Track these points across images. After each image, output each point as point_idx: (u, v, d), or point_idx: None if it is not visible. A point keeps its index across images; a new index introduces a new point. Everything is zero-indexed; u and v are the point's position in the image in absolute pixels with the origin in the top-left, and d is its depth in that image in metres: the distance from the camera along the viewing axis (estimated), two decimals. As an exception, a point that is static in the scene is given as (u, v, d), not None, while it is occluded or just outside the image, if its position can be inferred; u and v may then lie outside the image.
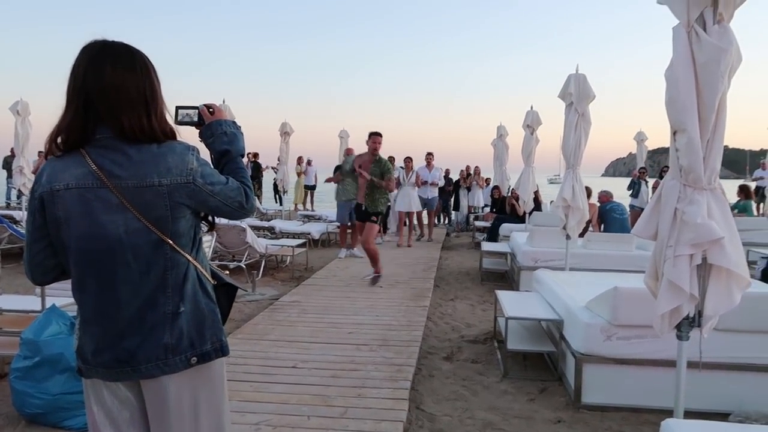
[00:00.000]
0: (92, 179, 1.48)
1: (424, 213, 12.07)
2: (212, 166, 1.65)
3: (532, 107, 9.73)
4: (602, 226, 9.45)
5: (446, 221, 15.53)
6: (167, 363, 1.55)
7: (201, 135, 1.75)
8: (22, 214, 10.55)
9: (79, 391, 3.27)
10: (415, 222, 11.74)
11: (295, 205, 16.80)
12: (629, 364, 3.66)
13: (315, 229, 10.83)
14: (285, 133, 13.96)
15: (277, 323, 5.28)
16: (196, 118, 1.74)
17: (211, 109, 1.76)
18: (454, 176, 15.54)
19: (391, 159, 11.32)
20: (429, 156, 12.02)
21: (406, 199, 11.08)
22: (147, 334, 1.53)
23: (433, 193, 11.97)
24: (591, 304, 3.96)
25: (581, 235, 6.77)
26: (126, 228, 1.49)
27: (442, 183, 12.73)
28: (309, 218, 13.17)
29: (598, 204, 9.47)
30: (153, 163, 1.50)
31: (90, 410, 1.64)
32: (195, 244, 1.62)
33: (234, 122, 1.78)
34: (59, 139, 1.52)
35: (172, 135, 1.59)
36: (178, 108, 1.73)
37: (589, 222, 8.73)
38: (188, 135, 1.69)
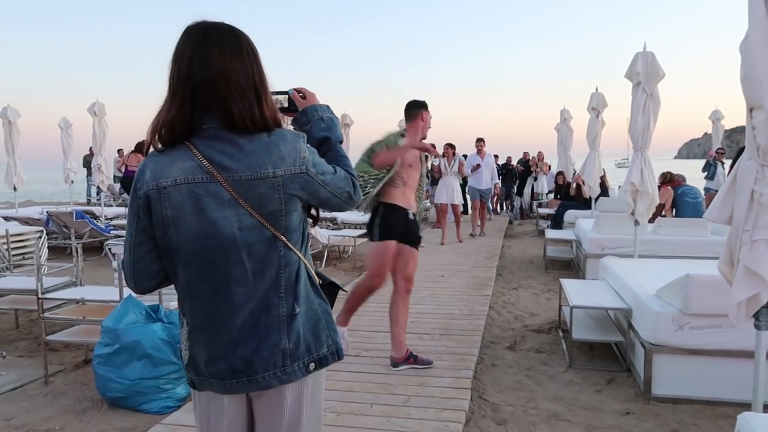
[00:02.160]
0: (202, 173, 1.37)
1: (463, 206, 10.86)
2: None
3: (597, 89, 9.38)
4: (674, 211, 9.03)
5: (509, 209, 15.27)
6: (285, 371, 1.42)
7: (295, 122, 1.63)
8: (101, 210, 11.19)
9: (155, 377, 3.48)
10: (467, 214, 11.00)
11: None
12: (703, 355, 3.50)
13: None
14: (345, 124, 14.09)
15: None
16: (287, 104, 1.62)
17: (301, 94, 1.64)
18: (514, 163, 15.25)
19: (450, 147, 10.37)
20: (480, 142, 10.91)
21: (447, 190, 10.10)
22: (262, 339, 1.42)
23: (488, 183, 10.79)
24: (661, 292, 3.80)
25: (651, 220, 6.49)
26: (240, 225, 1.37)
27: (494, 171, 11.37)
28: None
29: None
30: (266, 152, 1.38)
31: (203, 426, 1.53)
32: (304, 240, 1.50)
33: (328, 107, 1.65)
34: (160, 134, 1.40)
35: (280, 124, 1.47)
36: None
37: (662, 207, 8.37)
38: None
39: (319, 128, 1.59)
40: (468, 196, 11.55)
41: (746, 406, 2.63)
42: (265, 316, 1.42)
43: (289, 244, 1.43)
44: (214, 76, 1.36)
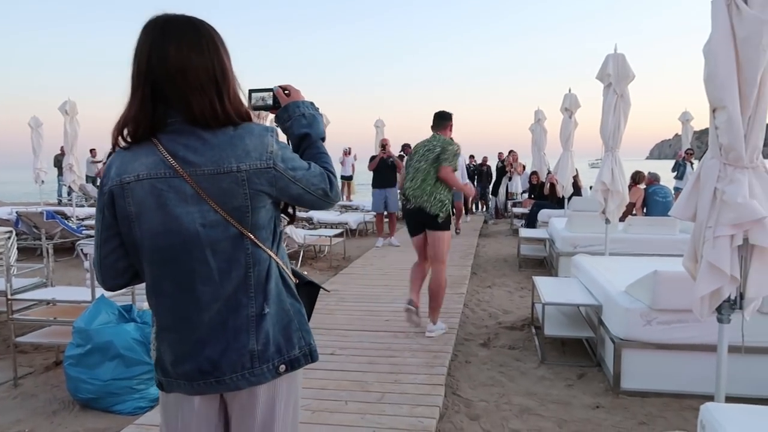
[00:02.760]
0: (164, 168, 1.34)
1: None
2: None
3: (570, 90, 9.53)
4: (645, 210, 9.22)
5: (484, 209, 15.41)
6: (254, 373, 1.39)
7: (277, 119, 1.60)
8: (73, 210, 10.99)
9: (128, 377, 3.45)
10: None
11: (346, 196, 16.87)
12: (670, 349, 3.59)
13: (352, 219, 10.92)
14: (321, 124, 14.08)
15: (315, 311, 5.26)
16: (270, 102, 1.59)
17: (286, 91, 1.60)
18: (492, 163, 15.39)
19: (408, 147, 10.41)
20: (406, 147, 10.90)
21: None
22: (231, 340, 1.38)
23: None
24: (631, 288, 3.89)
25: (622, 219, 6.63)
26: (203, 221, 1.34)
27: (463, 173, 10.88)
28: (346, 208, 13.27)
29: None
30: (230, 146, 1.35)
31: (170, 428, 1.49)
32: (276, 238, 1.46)
33: (312, 103, 1.62)
34: (126, 131, 1.38)
35: (248, 118, 1.43)
36: (251, 91, 1.59)
37: (633, 206, 8.54)
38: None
39: (300, 125, 1.56)
40: None
41: (711, 398, 2.71)
42: (233, 317, 1.38)
43: (258, 242, 1.39)
44: (172, 71, 1.33)
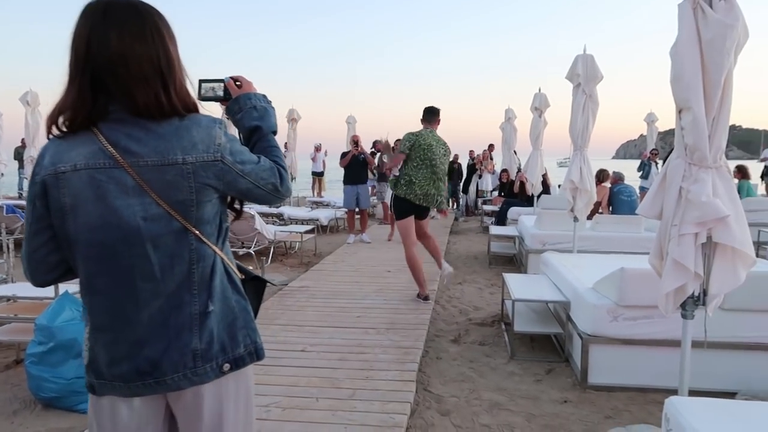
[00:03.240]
0: (104, 158, 1.27)
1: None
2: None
3: (540, 89, 9.65)
4: (611, 209, 9.41)
5: (455, 206, 15.51)
6: (196, 372, 1.34)
7: (228, 111, 1.55)
8: (34, 204, 10.67)
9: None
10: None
11: (317, 192, 16.76)
12: (636, 345, 3.67)
13: (323, 215, 10.87)
14: (293, 119, 13.97)
15: (286, 308, 5.33)
16: (221, 93, 1.54)
17: (238, 83, 1.56)
18: (464, 161, 15.50)
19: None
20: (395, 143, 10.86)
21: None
22: (173, 339, 1.33)
23: None
24: (598, 285, 3.97)
25: (589, 217, 6.75)
26: (144, 214, 1.27)
27: None
28: (317, 204, 13.21)
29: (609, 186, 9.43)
30: (176, 137, 1.30)
31: None
32: (221, 233, 1.41)
33: (264, 96, 1.58)
34: (61, 119, 1.30)
35: (194, 109, 1.38)
36: (201, 82, 1.54)
37: (598, 204, 8.71)
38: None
39: (251, 117, 1.51)
40: None
41: (674, 392, 2.78)
42: (175, 314, 1.32)
43: (203, 237, 1.34)
44: (113, 60, 1.26)
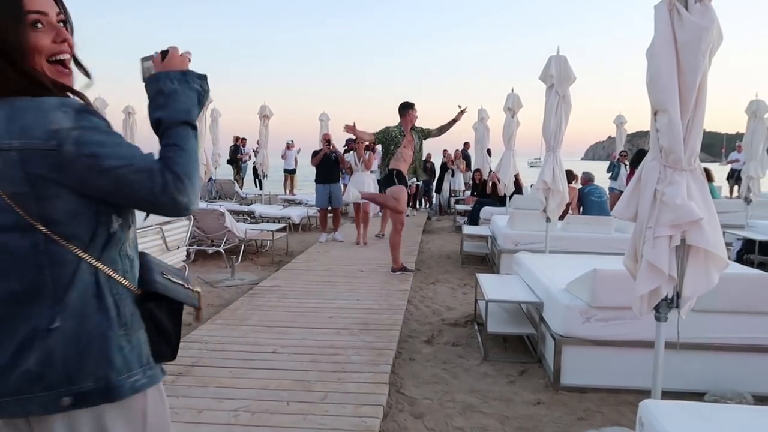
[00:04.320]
0: None
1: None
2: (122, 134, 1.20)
3: (512, 90, 9.70)
4: (581, 209, 9.51)
5: (427, 205, 15.53)
6: (32, 399, 1.13)
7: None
8: None
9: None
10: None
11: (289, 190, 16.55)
12: (608, 346, 3.68)
13: (295, 213, 10.75)
14: (264, 116, 13.77)
15: (256, 308, 5.22)
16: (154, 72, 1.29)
17: (165, 55, 1.30)
18: (437, 160, 15.53)
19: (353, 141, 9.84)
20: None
21: (361, 188, 8.75)
22: (9, 356, 1.13)
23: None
24: (570, 286, 3.97)
25: (561, 218, 6.80)
26: None
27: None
28: (289, 202, 13.06)
29: (579, 187, 9.52)
30: (8, 120, 1.11)
31: None
32: (100, 240, 1.19)
33: (188, 74, 1.28)
34: None
35: (58, 88, 1.18)
36: (142, 60, 1.31)
37: (568, 205, 8.79)
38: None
39: (155, 105, 1.25)
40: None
41: (646, 393, 2.78)
42: (18, 326, 1.13)
43: (58, 239, 1.14)
44: None
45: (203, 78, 1.31)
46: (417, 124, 6.97)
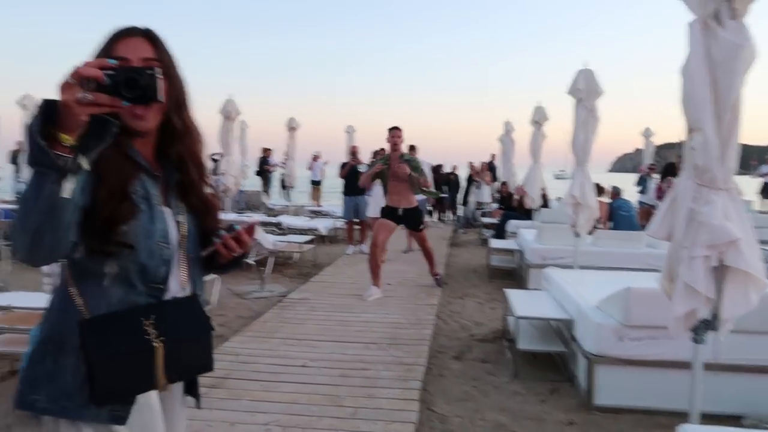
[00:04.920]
0: None
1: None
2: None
3: (539, 103, 9.67)
4: (610, 224, 9.39)
5: (453, 218, 15.49)
6: None
7: None
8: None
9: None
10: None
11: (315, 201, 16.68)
12: (642, 366, 3.62)
13: (322, 225, 10.80)
14: (292, 128, 13.95)
15: (285, 321, 5.27)
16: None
17: None
18: (462, 172, 15.51)
19: (380, 152, 9.36)
20: (411, 151, 9.85)
21: (375, 202, 8.51)
22: None
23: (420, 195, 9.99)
24: (602, 304, 3.93)
25: (590, 232, 6.73)
26: None
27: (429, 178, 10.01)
28: (316, 214, 13.16)
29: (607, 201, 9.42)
30: None
31: None
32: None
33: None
34: None
35: None
36: None
37: (597, 219, 8.69)
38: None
39: None
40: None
41: (682, 415, 2.75)
42: None
43: None
44: None
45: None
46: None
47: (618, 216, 9.18)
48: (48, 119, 1.05)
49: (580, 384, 3.88)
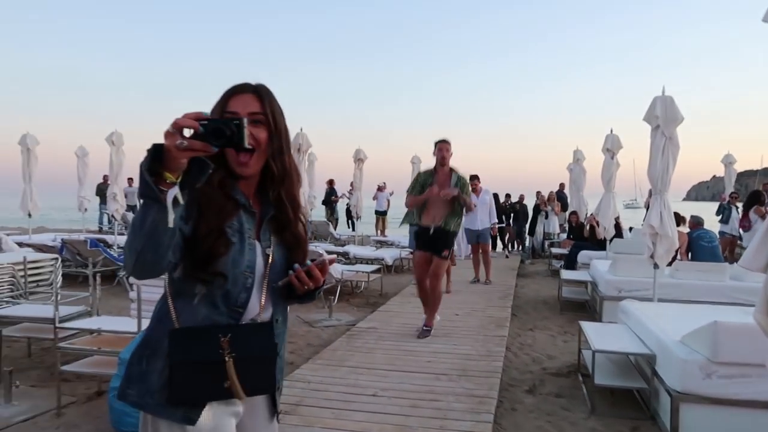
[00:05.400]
0: None
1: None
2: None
3: (611, 131, 9.43)
4: (690, 255, 8.95)
5: (520, 248, 15.20)
6: None
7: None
8: (114, 239, 11.22)
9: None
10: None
11: (380, 231, 16.87)
12: (732, 405, 3.40)
13: (388, 255, 10.87)
14: (359, 159, 14.21)
15: (355, 349, 5.30)
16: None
17: None
18: (530, 202, 15.25)
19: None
20: (474, 180, 9.48)
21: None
22: None
23: (484, 223, 9.58)
24: (687, 338, 3.73)
25: (669, 264, 6.44)
26: None
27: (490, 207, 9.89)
28: (381, 243, 13.25)
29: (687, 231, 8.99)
30: None
31: None
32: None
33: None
34: None
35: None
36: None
37: (677, 250, 8.31)
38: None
39: None
40: (464, 239, 10.03)
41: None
42: None
43: None
44: None
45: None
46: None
47: (699, 246, 8.73)
48: (155, 160, 1.22)
49: (663, 423, 3.67)
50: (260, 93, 1.51)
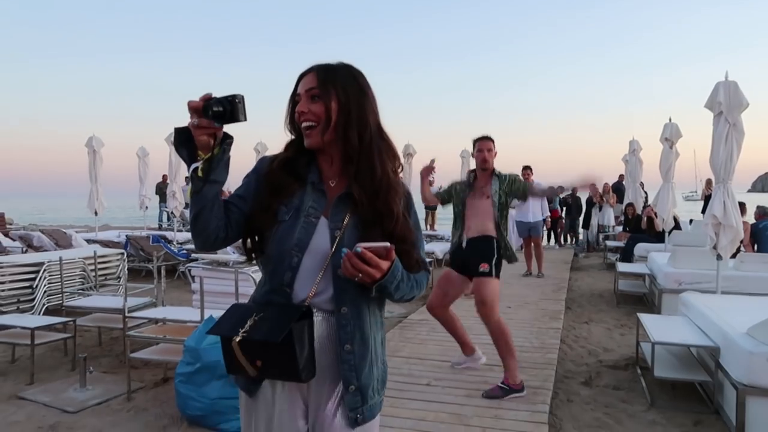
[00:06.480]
0: None
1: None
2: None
3: (670, 119, 9.12)
4: (755, 246, 8.58)
5: (574, 241, 14.89)
6: None
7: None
8: (174, 235, 11.66)
9: (233, 396, 3.54)
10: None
11: (430, 225, 16.89)
12: (803, 399, 3.27)
13: (438, 249, 10.86)
14: (408, 154, 14.24)
15: (407, 340, 5.35)
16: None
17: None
18: (583, 194, 14.90)
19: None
20: (526, 171, 9.65)
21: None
22: None
23: (536, 215, 9.50)
24: (754, 330, 3.59)
25: (732, 255, 6.19)
26: None
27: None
28: (431, 238, 13.24)
29: (753, 221, 8.63)
30: None
31: None
32: None
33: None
34: None
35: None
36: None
37: (741, 241, 7.98)
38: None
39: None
40: (515, 232, 9.81)
41: None
42: None
43: None
44: None
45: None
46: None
47: (764, 237, 8.37)
48: (188, 140, 1.38)
49: (728, 417, 3.57)
50: (319, 71, 1.49)
